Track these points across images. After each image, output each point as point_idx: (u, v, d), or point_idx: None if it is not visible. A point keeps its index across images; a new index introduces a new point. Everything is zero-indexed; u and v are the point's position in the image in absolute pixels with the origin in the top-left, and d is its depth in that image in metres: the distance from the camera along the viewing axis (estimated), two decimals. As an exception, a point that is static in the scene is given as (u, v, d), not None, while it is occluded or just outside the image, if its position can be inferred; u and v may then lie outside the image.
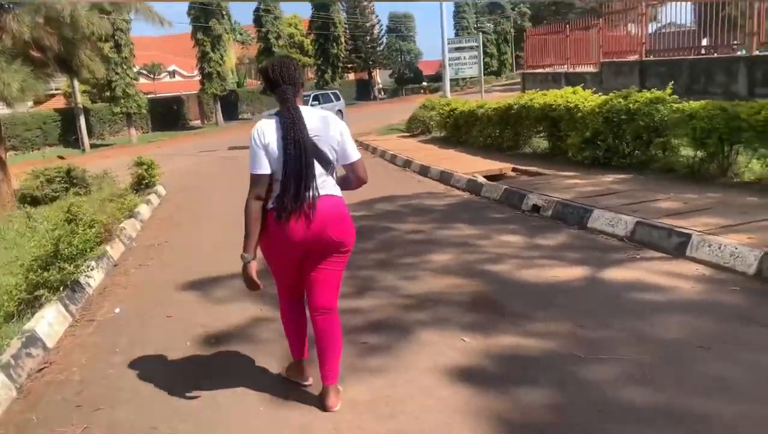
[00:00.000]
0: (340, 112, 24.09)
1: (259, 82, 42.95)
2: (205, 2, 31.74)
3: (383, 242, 5.89)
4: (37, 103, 39.76)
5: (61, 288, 4.29)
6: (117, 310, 4.48)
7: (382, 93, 54.38)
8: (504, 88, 36.39)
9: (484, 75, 56.84)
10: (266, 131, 2.56)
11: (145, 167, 9.41)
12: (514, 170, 9.36)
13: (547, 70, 16.90)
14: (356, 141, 18.60)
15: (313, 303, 2.74)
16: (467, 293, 4.18)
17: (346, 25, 44.38)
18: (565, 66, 15.77)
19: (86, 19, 8.35)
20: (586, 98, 8.74)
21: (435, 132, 16.16)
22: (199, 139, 26.72)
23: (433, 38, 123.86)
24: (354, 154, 2.70)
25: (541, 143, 10.75)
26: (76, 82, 23.98)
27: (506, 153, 10.94)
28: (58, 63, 9.11)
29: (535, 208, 6.63)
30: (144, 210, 8.35)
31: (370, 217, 7.15)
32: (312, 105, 17.87)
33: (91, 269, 4.74)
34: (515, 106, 10.53)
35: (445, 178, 9.32)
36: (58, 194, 8.78)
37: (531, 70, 17.82)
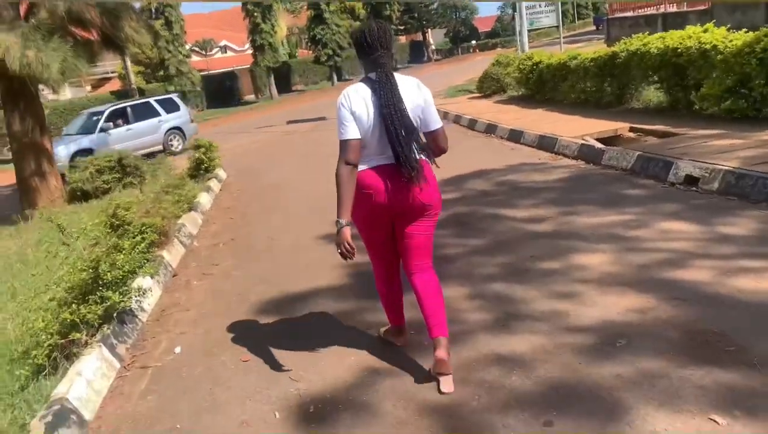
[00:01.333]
0: (180, 131, 15.54)
1: (310, 52, 41.78)
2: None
3: (501, 236, 4.60)
4: (94, 87, 40.28)
5: (105, 326, 3.26)
6: (177, 349, 3.42)
7: (436, 54, 52.08)
8: (569, 39, 33.36)
9: (538, 29, 53.96)
10: (354, 97, 2.54)
11: (203, 150, 8.41)
12: (632, 129, 7.78)
13: (639, 13, 14.82)
14: None
15: (409, 266, 2.75)
16: (669, 323, 2.85)
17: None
18: (662, 6, 13.69)
19: (127, -17, 7.31)
20: (725, 37, 7.02)
21: (512, 90, 14.54)
22: (255, 114, 25.87)
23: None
24: (437, 122, 2.66)
25: (653, 95, 9.06)
26: (129, 63, 23.48)
27: (608, 110, 9.32)
28: (102, 39, 8.16)
29: (690, 180, 5.15)
30: (204, 200, 7.35)
31: (469, 200, 5.85)
32: (117, 125, 14.09)
33: (143, 293, 3.69)
34: (622, 54, 8.85)
35: (546, 144, 7.86)
36: (110, 185, 7.92)
37: (619, 15, 15.74)
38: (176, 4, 26.32)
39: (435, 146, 2.70)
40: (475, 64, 34.24)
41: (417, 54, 51.73)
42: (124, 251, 3.49)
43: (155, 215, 4.88)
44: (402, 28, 47.55)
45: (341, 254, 2.50)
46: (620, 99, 9.53)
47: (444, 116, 13.15)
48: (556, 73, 11.15)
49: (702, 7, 12.14)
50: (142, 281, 3.85)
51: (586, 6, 58.71)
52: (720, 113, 7.13)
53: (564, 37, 40.64)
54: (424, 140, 2.68)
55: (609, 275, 3.51)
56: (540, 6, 15.51)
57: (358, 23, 44.18)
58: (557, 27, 16.34)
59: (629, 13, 15.38)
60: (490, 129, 10.06)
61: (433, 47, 52.84)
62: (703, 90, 7.25)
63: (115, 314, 3.38)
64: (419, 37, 54.41)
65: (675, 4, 13.25)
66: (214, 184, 8.44)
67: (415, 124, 2.57)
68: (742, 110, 6.74)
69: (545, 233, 4.52)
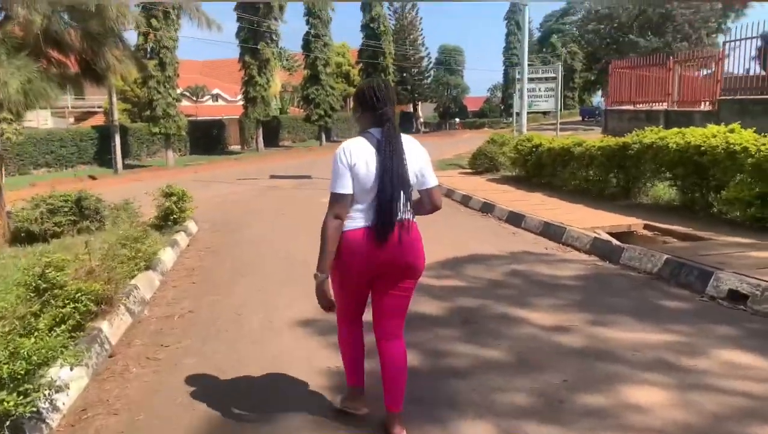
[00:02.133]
0: None
1: (301, 110, 41.76)
2: (255, 24, 30.72)
3: (520, 346, 3.76)
4: (78, 120, 39.40)
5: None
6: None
7: (424, 126, 52.68)
8: (554, 127, 33.73)
9: (535, 112, 54.63)
10: (354, 150, 2.49)
11: (174, 198, 7.54)
12: (647, 227, 7.17)
13: (639, 107, 14.71)
14: None
15: (381, 330, 2.69)
16: None
17: (394, 57, 42.95)
18: (665, 103, 13.56)
19: (116, 9, 6.59)
20: (756, 139, 6.54)
21: (505, 170, 14.13)
22: (238, 165, 25.17)
23: (479, 74, 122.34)
24: (433, 180, 2.64)
25: (664, 191, 8.56)
26: (114, 98, 22.75)
27: (614, 202, 8.77)
28: (81, 65, 7.39)
29: (735, 296, 4.44)
30: (167, 257, 6.42)
31: (474, 292, 5.05)
32: None
33: (57, 390, 2.73)
34: (634, 146, 8.39)
35: (552, 233, 7.18)
36: (62, 228, 6.93)
37: (617, 107, 15.65)
38: (173, 46, 25.98)
39: (430, 202, 2.68)
40: (463, 141, 34.54)
41: (406, 124, 52.18)
42: (36, 334, 2.56)
43: (100, 276, 3.95)
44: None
45: (322, 307, 2.56)
46: (627, 192, 9.02)
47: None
48: (557, 157, 10.70)
49: (708, 109, 11.97)
50: (59, 371, 2.89)
51: (572, 97, 60.57)
52: (744, 219, 6.58)
53: (550, 124, 41.43)
54: (417, 196, 2.65)
55: (676, 426, 2.68)
56: (540, 90, 15.36)
57: (351, 89, 44.79)
58: (554, 112, 16.18)
59: (629, 107, 15.27)
60: (487, 208, 9.42)
61: (422, 120, 53.53)
62: (727, 193, 6.72)
63: (7, 424, 2.41)
64: (409, 108, 55.23)
65: (678, 104, 13.12)
66: (181, 238, 7.52)
67: (412, 181, 2.55)
68: (770, 218, 6.20)
69: (575, 348, 3.70)
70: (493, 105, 59.63)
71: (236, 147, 36.44)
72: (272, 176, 17.55)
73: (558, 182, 10.88)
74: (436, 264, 5.79)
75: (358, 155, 2.46)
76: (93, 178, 22.74)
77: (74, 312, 3.07)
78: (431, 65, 51.19)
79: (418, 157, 2.56)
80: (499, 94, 59.50)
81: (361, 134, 2.55)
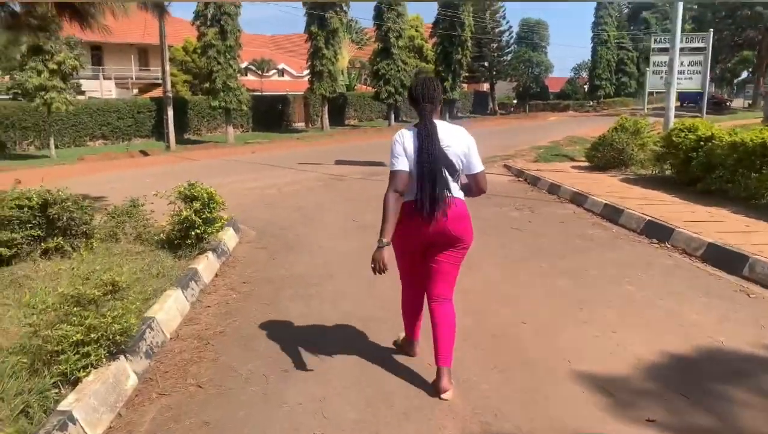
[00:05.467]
0: None
1: (369, 87, 39.00)
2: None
3: None
4: (142, 91, 38.20)
5: None
6: None
7: (507, 108, 48.77)
8: (650, 111, 28.92)
9: (622, 96, 50.21)
10: (406, 138, 2.92)
11: (198, 204, 4.95)
12: None
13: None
14: (510, 167, 12.65)
15: (432, 293, 3.06)
16: None
17: (473, 29, 39.19)
18: None
19: None
20: None
21: (636, 167, 10.90)
22: (301, 145, 22.73)
23: (561, 50, 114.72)
24: (478, 166, 2.99)
25: None
26: (167, 66, 20.66)
27: None
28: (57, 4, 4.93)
29: None
30: (165, 317, 3.81)
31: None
32: None
33: None
34: None
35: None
36: (14, 250, 4.38)
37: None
38: (235, 13, 23.70)
39: (476, 186, 3.03)
40: (551, 125, 30.81)
41: (481, 105, 48.56)
42: None
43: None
44: (469, 75, 44.49)
45: (373, 269, 2.83)
46: None
47: (555, 189, 9.52)
48: (748, 157, 7.44)
49: None
50: None
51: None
52: None
53: (634, 109, 36.49)
54: (465, 180, 3.03)
55: None
56: (683, 65, 11.87)
57: (425, 65, 41.58)
58: (700, 94, 12.68)
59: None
60: (658, 232, 6.34)
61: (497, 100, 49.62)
62: None
63: None
64: (483, 87, 51.31)
65: None
66: (206, 266, 4.94)
67: (458, 166, 2.94)
68: None
69: None
70: (577, 87, 54.78)
71: (300, 124, 34.23)
72: (338, 162, 14.92)
73: (739, 191, 7.66)
74: (638, 371, 2.96)
75: (408, 141, 2.89)
76: (145, 153, 20.89)
77: None
78: (513, 40, 47.07)
79: (461, 143, 2.93)
80: (585, 74, 54.62)
81: (414, 124, 2.96)
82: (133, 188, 7.71)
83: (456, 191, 2.94)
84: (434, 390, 2.95)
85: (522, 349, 3.46)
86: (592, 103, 48.39)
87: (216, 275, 5.08)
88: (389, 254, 2.83)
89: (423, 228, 2.87)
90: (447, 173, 2.88)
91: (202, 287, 4.66)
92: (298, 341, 3.65)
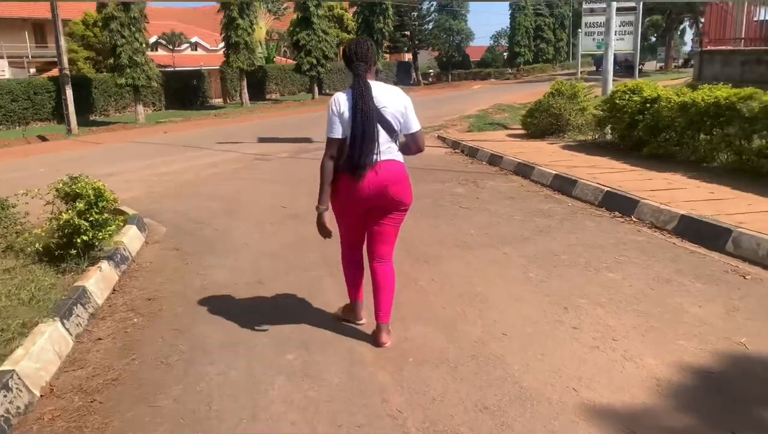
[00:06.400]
0: None
1: (289, 60, 37.23)
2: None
3: None
4: (40, 71, 34.63)
5: None
6: None
7: (428, 78, 48.14)
8: (566, 76, 29.15)
9: (541, 62, 50.92)
10: (341, 101, 2.87)
11: (82, 204, 3.88)
12: None
13: (750, 47, 10.99)
14: (445, 138, 11.90)
15: (373, 253, 3.12)
16: None
17: (393, -2, 38.09)
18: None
19: None
20: None
21: (574, 133, 10.52)
22: (219, 122, 21.11)
23: (479, 18, 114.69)
24: (415, 125, 2.99)
25: None
26: (62, 40, 18.37)
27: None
28: None
29: None
30: (47, 351, 2.81)
31: None
32: None
33: None
34: None
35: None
36: None
37: (716, 47, 11.88)
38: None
39: (414, 145, 3.03)
40: (476, 93, 30.49)
41: (404, 76, 47.75)
42: None
43: None
44: (392, 45, 43.51)
45: (321, 234, 3.02)
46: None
47: (496, 160, 8.91)
48: (700, 118, 7.07)
49: None
50: None
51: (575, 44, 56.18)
52: None
53: (555, 75, 37.02)
54: (403, 140, 3.02)
55: None
56: (616, 24, 11.53)
57: (346, 35, 40.18)
58: (632, 55, 12.45)
59: (728, 47, 11.54)
60: (619, 204, 5.82)
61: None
62: None
63: None
64: (405, 58, 50.49)
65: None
66: (98, 281, 3.89)
67: (395, 126, 2.92)
68: None
69: None
70: (497, 54, 55.07)
71: (218, 101, 32.21)
72: (261, 139, 13.75)
73: (688, 154, 7.33)
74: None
75: (343, 104, 2.84)
76: (44, 139, 18.68)
77: None
78: (433, 8, 46.39)
79: (397, 103, 2.91)
80: (504, 42, 54.97)
81: (349, 87, 2.89)
82: (23, 181, 6.37)
83: (395, 152, 2.94)
84: (374, 342, 3.10)
85: (512, 376, 2.72)
86: (511, 70, 48.72)
87: (113, 291, 4.05)
88: (329, 218, 2.99)
89: (357, 187, 2.86)
90: (385, 133, 2.88)
91: (93, 311, 3.63)
92: (223, 388, 2.76)
